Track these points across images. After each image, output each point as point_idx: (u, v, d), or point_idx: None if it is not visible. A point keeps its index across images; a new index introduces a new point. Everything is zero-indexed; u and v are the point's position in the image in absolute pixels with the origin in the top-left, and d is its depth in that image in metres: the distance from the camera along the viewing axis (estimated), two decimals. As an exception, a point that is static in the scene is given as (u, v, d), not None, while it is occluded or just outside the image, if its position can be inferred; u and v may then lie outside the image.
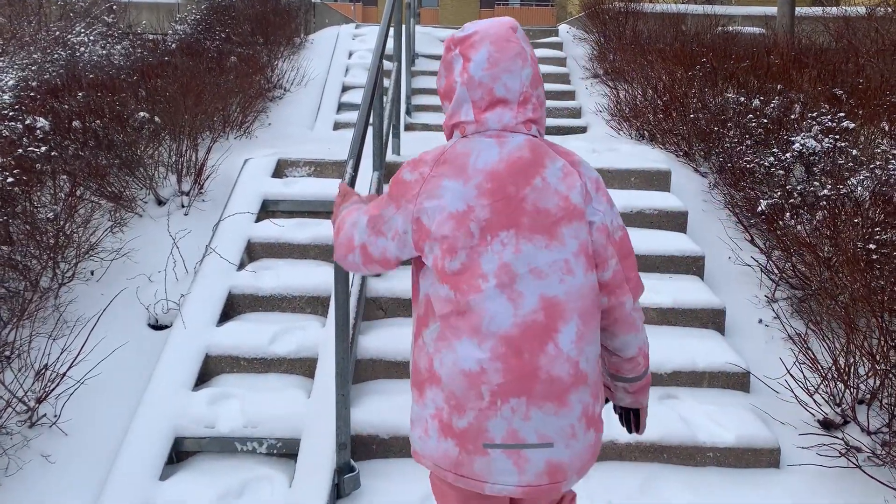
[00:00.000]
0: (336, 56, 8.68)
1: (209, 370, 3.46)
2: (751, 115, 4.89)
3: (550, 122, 7.19)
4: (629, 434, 2.21)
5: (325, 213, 4.47)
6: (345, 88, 7.93)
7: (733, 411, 3.29)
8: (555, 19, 38.08)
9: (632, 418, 2.06)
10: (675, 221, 4.47)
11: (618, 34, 8.63)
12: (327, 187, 4.56)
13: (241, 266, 4.05)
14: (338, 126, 7.10)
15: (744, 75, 5.59)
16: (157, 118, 5.10)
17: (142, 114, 5.08)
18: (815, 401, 3.28)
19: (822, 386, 3.34)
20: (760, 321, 3.94)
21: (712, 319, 3.81)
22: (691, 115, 5.38)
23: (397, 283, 3.85)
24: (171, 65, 5.44)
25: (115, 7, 9.35)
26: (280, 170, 4.85)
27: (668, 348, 3.56)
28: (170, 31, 7.70)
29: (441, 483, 1.87)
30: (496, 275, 1.70)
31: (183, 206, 4.71)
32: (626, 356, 1.92)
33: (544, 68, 8.35)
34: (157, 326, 3.81)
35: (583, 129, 7.18)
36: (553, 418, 1.72)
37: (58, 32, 7.41)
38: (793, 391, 3.38)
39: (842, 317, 3.51)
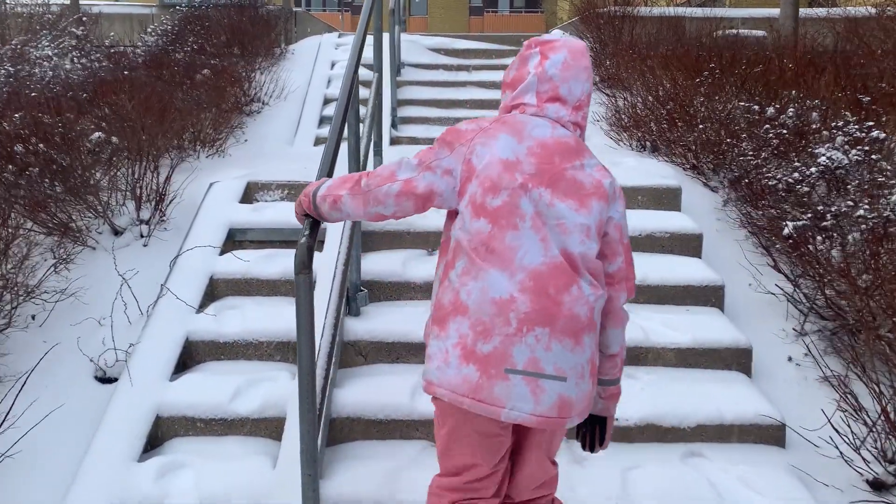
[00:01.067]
0: (318, 67, 8.23)
1: (160, 434, 2.99)
2: (767, 126, 4.44)
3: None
4: (591, 453, 2.19)
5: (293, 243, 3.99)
6: (327, 101, 7.48)
7: (769, 472, 2.83)
8: (545, 26, 37.80)
9: (597, 432, 2.16)
10: (688, 245, 4.03)
11: (614, 39, 8.21)
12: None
13: (203, 307, 3.58)
14: (319, 141, 6.64)
15: (754, 81, 5.16)
16: (114, 138, 4.63)
17: (97, 134, 4.61)
18: (862, 457, 2.83)
19: (868, 439, 2.89)
20: (790, 359, 3.49)
21: (737, 360, 3.36)
22: (699, 126, 4.94)
23: (379, 324, 3.39)
24: (129, 80, 4.96)
25: (84, 19, 8.88)
26: (249, 194, 4.39)
27: (691, 396, 3.10)
28: (139, 43, 7.24)
29: (454, 416, 1.94)
30: (531, 218, 1.87)
31: (142, 236, 4.24)
32: (608, 353, 2.07)
33: (537, 76, 7.91)
34: (105, 379, 3.34)
35: (580, 140, 6.73)
36: (569, 354, 1.86)
37: (18, 46, 6.92)
38: (836, 446, 2.92)
39: (887, 355, 3.07)
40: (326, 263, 3.53)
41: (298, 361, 2.24)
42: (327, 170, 2.56)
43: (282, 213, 4.09)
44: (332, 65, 8.24)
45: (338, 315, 2.91)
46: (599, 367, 2.06)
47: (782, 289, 3.78)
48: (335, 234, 3.73)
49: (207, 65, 7.06)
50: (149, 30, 8.29)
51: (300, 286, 2.22)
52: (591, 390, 1.94)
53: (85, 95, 4.79)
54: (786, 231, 3.56)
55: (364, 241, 3.99)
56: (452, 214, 2.03)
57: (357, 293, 3.43)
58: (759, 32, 8.57)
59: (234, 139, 6.42)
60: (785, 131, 4.34)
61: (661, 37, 8.03)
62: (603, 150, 6.08)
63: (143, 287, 3.79)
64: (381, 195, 2.01)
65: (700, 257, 4.03)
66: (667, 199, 4.38)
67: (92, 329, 3.51)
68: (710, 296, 3.70)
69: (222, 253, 3.88)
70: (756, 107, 4.68)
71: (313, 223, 2.32)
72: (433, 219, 3.84)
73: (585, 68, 2.05)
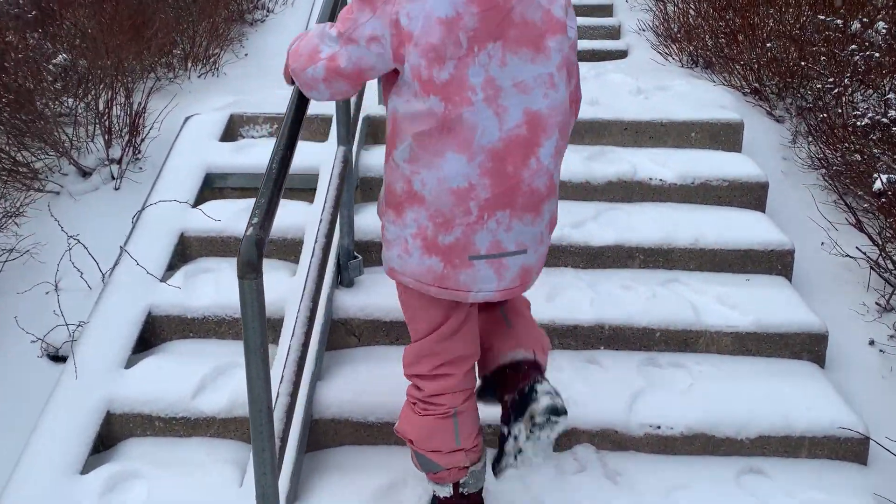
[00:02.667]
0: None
1: (112, 434, 2.52)
2: (854, 46, 3.65)
3: (584, 44, 5.92)
4: None
5: (287, 192, 3.41)
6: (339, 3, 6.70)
7: (848, 500, 2.29)
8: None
9: None
10: (750, 196, 3.36)
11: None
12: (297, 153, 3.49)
13: (173, 268, 3.05)
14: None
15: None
16: (82, 61, 4.02)
17: (62, 56, 3.99)
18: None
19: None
20: (873, 343, 2.88)
21: (808, 347, 2.76)
22: (767, 45, 4.14)
23: (376, 297, 2.84)
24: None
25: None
26: (233, 129, 3.78)
27: (751, 397, 2.53)
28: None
29: (418, 295, 1.90)
30: (483, 88, 1.67)
31: (113, 178, 3.69)
32: None
33: (575, -23, 7.00)
34: (58, 357, 2.87)
35: (622, 54, 5.91)
36: (529, 227, 1.81)
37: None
38: (933, 468, 2.36)
39: None
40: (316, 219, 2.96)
41: (249, 394, 1.70)
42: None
43: (270, 153, 3.48)
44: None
45: (315, 296, 2.37)
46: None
47: (865, 253, 3.12)
48: (326, 180, 3.14)
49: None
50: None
51: (245, 294, 1.66)
52: (548, 245, 1.94)
53: (34, 12, 4.12)
54: (877, 185, 2.88)
55: (363, 188, 3.39)
56: (388, 75, 1.77)
57: (350, 261, 2.87)
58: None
59: (232, 54, 5.73)
60: (877, 54, 3.55)
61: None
62: (648, 67, 5.28)
63: (110, 241, 3.26)
64: (309, 79, 1.81)
65: (764, 211, 3.36)
66: (725, 136, 3.67)
67: (44, 297, 3.03)
68: (775, 262, 3.07)
69: (198, 203, 3.32)
70: (838, 21, 3.86)
71: (267, 207, 1.75)
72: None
73: None
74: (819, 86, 3.82)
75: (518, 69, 1.70)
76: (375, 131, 3.70)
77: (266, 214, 1.73)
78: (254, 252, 1.65)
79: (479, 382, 2.10)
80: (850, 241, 3.26)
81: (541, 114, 1.73)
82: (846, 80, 3.65)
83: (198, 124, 3.67)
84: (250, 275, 1.65)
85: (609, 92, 4.16)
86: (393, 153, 1.82)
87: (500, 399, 1.99)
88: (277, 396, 2.00)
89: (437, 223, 1.77)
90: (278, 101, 3.81)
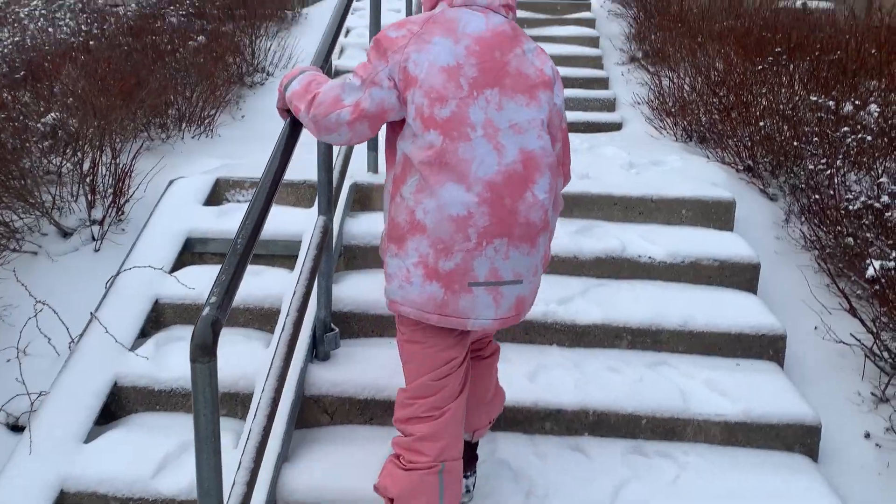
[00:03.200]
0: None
1: (64, 515, 2.38)
2: (846, 128, 3.63)
3: (578, 116, 5.96)
4: None
5: (268, 258, 3.34)
6: (337, 73, 6.78)
7: None
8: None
9: None
10: (742, 276, 3.28)
11: (661, 9, 7.32)
12: (278, 218, 3.43)
13: (145, 336, 2.96)
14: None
15: (826, 68, 4.31)
16: (72, 121, 4.00)
17: (52, 115, 3.98)
18: None
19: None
20: (868, 436, 2.76)
21: (801, 439, 2.64)
22: (760, 124, 4.14)
23: (351, 373, 2.73)
24: (87, 51, 4.31)
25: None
26: (219, 193, 3.73)
27: (741, 493, 2.40)
28: (123, 5, 6.59)
29: (419, 328, 1.97)
30: (483, 126, 1.85)
31: (93, 239, 3.62)
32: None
33: (573, 50, 7.08)
34: (17, 427, 2.75)
35: (617, 126, 5.94)
36: (525, 258, 1.93)
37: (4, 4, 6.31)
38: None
39: None
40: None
41: (198, 487, 1.60)
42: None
43: (253, 219, 3.42)
44: (347, 32, 7.50)
45: (283, 374, 2.26)
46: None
47: (859, 340, 3.03)
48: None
49: (205, 29, 6.38)
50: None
51: (197, 379, 1.57)
52: (540, 279, 2.04)
53: (22, 73, 4.13)
54: (870, 272, 2.80)
55: (347, 257, 3.32)
56: (394, 124, 1.97)
57: (325, 333, 2.77)
58: (826, 4, 7.60)
59: (228, 116, 5.76)
60: (868, 136, 3.53)
61: (716, 8, 7.11)
62: (642, 140, 5.30)
63: (84, 305, 3.17)
64: (332, 124, 1.92)
65: (755, 292, 3.28)
66: (717, 214, 3.62)
67: (7, 363, 2.92)
68: (767, 346, 2.97)
69: (177, 268, 3.25)
70: (830, 102, 3.86)
71: (228, 285, 1.67)
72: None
73: None
74: (812, 166, 3.78)
75: (514, 112, 1.88)
76: (362, 198, 3.65)
77: (226, 293, 1.65)
78: (209, 334, 1.56)
79: None
80: (845, 326, 3.17)
81: (535, 153, 1.90)
82: (838, 162, 3.62)
83: (182, 187, 3.62)
84: (203, 358, 1.56)
85: (601, 165, 4.14)
86: (401, 189, 1.92)
87: None
88: (233, 486, 1.88)
89: (437, 250, 1.87)
90: (262, 166, 3.78)
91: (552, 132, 1.97)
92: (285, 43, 7.14)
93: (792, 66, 4.32)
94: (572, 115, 5.96)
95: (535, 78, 1.92)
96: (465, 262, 1.86)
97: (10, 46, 4.78)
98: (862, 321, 3.03)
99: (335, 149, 2.98)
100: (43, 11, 6.50)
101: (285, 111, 2.16)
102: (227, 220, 3.45)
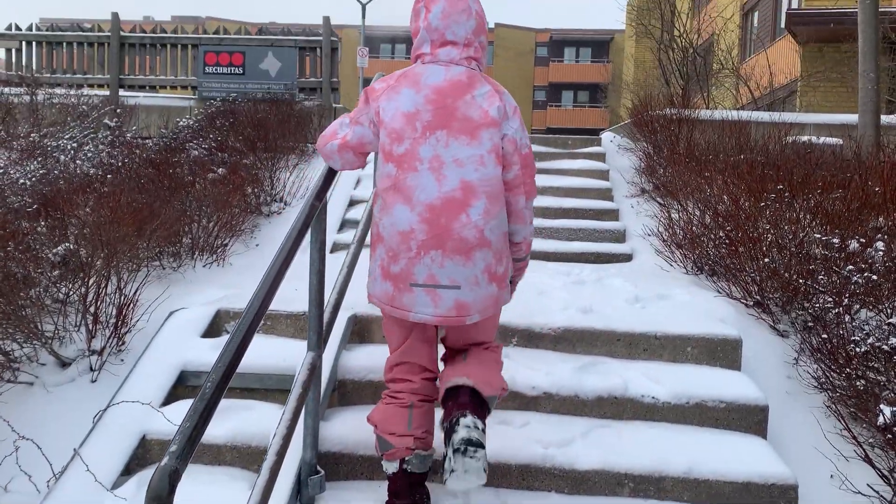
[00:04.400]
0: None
1: None
2: (852, 267, 3.59)
3: (588, 246, 5.99)
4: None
5: (262, 392, 3.29)
6: (352, 202, 6.94)
7: None
8: (608, 122, 37.46)
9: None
10: (750, 419, 3.15)
11: (670, 144, 7.49)
12: (274, 350, 3.40)
13: (129, 473, 2.87)
14: (336, 248, 6.03)
15: (831, 204, 4.32)
16: (82, 251, 4.08)
17: (64, 245, 4.07)
18: None
19: None
20: None
21: None
22: (765, 260, 4.11)
23: None
24: (103, 184, 4.46)
25: (119, 110, 8.68)
26: (218, 324, 3.73)
27: None
28: (154, 137, 6.89)
29: (385, 314, 2.59)
30: (429, 161, 2.40)
31: (91, 370, 3.60)
32: (514, 240, 2.63)
33: (584, 182, 7.23)
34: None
35: (627, 257, 5.95)
36: (461, 268, 2.40)
37: (34, 136, 6.63)
38: None
39: None
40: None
41: None
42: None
43: (253, 353, 3.38)
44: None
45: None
46: (511, 249, 2.63)
47: (877, 491, 2.84)
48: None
49: (225, 162, 6.62)
50: (178, 122, 7.99)
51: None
52: (495, 292, 2.47)
53: (35, 206, 4.26)
54: (881, 419, 2.67)
55: (341, 392, 3.25)
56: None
57: (310, 476, 2.66)
58: (834, 140, 7.74)
59: (242, 244, 5.88)
60: (875, 276, 3.47)
61: (723, 144, 7.27)
62: (652, 273, 5.27)
63: (74, 438, 3.11)
64: (328, 151, 2.61)
65: (765, 436, 3.14)
66: (723, 352, 3.53)
67: (-12, 499, 2.83)
68: (777, 497, 2.79)
69: (169, 401, 3.20)
70: (835, 240, 3.83)
71: (190, 433, 1.61)
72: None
73: (464, 10, 2.52)
74: (819, 304, 3.71)
75: (456, 150, 2.41)
76: (361, 330, 3.62)
77: (188, 441, 1.59)
78: (164, 486, 1.50)
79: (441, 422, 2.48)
80: (862, 475, 2.98)
81: (473, 183, 2.40)
82: (846, 300, 3.55)
83: (181, 319, 3.63)
84: (159, 514, 1.48)
85: (605, 299, 4.10)
86: (373, 207, 2.52)
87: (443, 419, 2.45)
88: None
89: (389, 256, 2.42)
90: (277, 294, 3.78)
91: (508, 160, 2.49)
92: (304, 174, 7.39)
93: (796, 202, 4.33)
94: (582, 246, 5.99)
95: (478, 119, 2.44)
96: (408, 267, 2.39)
97: (34, 179, 4.97)
98: (878, 469, 2.86)
99: (329, 281, 2.98)
100: (74, 144, 6.80)
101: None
102: (224, 353, 3.42)
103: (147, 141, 7.33)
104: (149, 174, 5.39)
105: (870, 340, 3.09)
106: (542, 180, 7.24)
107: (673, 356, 3.53)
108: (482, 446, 2.26)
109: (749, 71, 12.69)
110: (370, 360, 3.36)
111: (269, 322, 3.64)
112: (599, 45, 48.23)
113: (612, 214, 6.66)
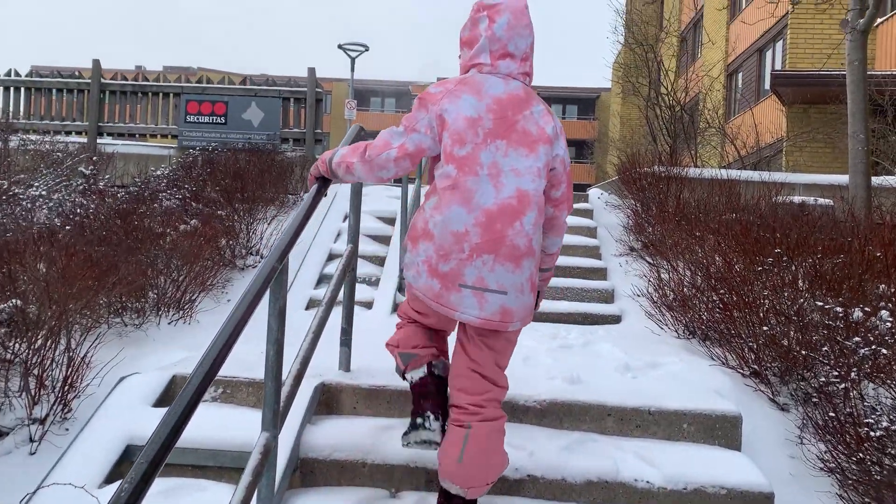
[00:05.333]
0: (329, 218, 7.53)
1: None
2: (858, 339, 3.35)
3: (576, 306, 5.75)
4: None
5: (216, 470, 2.96)
6: (331, 257, 6.70)
7: None
8: (593, 178, 37.65)
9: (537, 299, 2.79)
10: (754, 508, 2.86)
11: (658, 202, 7.33)
12: (231, 422, 3.09)
13: (58, 566, 2.52)
14: (311, 304, 5.77)
15: (831, 269, 4.11)
16: (31, 308, 3.78)
17: (13, 302, 3.77)
18: None
19: None
20: None
21: None
22: (764, 328, 3.87)
23: None
24: (52, 237, 4.19)
25: (95, 158, 8.45)
26: (173, 393, 3.41)
27: None
28: (128, 187, 6.65)
29: (421, 306, 2.65)
30: (488, 167, 2.47)
31: (31, 441, 3.27)
32: (548, 252, 2.79)
33: (571, 239, 7.02)
34: None
35: (616, 319, 5.70)
36: (510, 275, 2.45)
37: (2, 183, 6.36)
38: None
39: None
40: None
41: None
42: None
43: (206, 423, 3.07)
44: (345, 217, 7.51)
45: None
46: (541, 261, 2.74)
47: None
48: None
49: (200, 213, 6.37)
50: (153, 171, 7.76)
51: None
52: (532, 301, 2.55)
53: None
54: (902, 513, 2.39)
55: (303, 471, 2.94)
56: (435, 159, 2.57)
57: (262, 575, 2.34)
58: (825, 201, 7.61)
59: (213, 300, 5.59)
60: (883, 350, 3.23)
61: (713, 203, 7.11)
62: (642, 337, 5.02)
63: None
64: (383, 161, 2.56)
65: (771, 528, 2.84)
66: (722, 430, 3.25)
67: None
68: None
69: (112, 479, 2.87)
70: (838, 308, 3.60)
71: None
72: (395, 448, 2.82)
73: (527, 25, 2.59)
74: (824, 377, 3.46)
75: (516, 160, 2.49)
76: (330, 401, 3.33)
77: None
78: None
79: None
80: (879, 574, 2.69)
81: (528, 193, 2.48)
82: (853, 374, 3.30)
83: (132, 386, 3.32)
84: None
85: (594, 367, 3.83)
86: (425, 203, 2.56)
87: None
88: None
89: (439, 255, 2.44)
90: (238, 358, 3.47)
91: (558, 178, 2.62)
92: (283, 226, 7.15)
93: (794, 266, 4.12)
94: (569, 306, 5.75)
95: (536, 135, 2.54)
96: (458, 267, 2.42)
97: (-10, 228, 4.69)
98: (899, 571, 2.57)
99: (289, 352, 2.70)
100: (42, 192, 6.54)
101: (317, 178, 2.86)
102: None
103: (120, 190, 7.07)
104: (114, 225, 5.12)
105: (884, 423, 2.83)
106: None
107: (668, 434, 3.25)
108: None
109: (735, 130, 12.70)
110: (339, 435, 3.07)
111: (227, 390, 3.34)
112: (586, 102, 48.93)
113: (600, 273, 6.44)
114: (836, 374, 3.33)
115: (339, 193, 8.28)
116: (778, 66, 16.72)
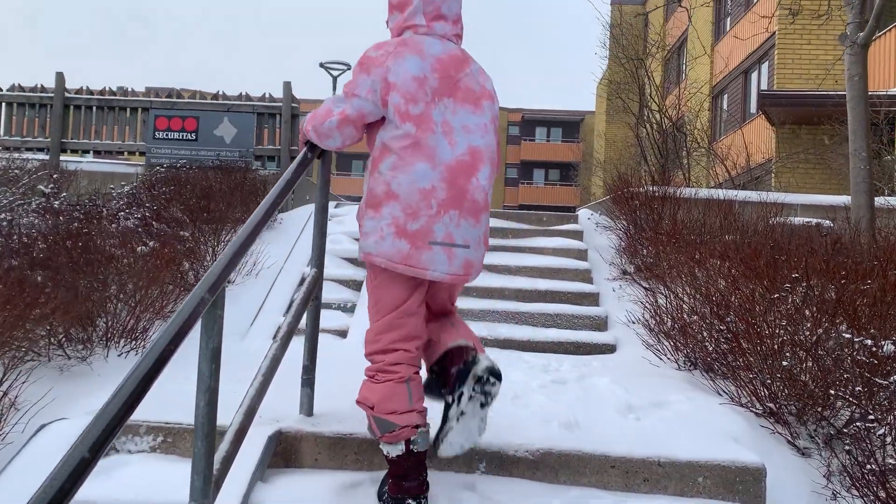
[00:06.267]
0: (302, 240, 7.07)
1: None
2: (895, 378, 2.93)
3: (567, 335, 5.34)
4: None
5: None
6: (303, 280, 6.22)
7: None
8: (579, 200, 37.47)
9: None
10: (787, 582, 2.40)
11: (652, 223, 6.94)
12: (171, 481, 2.60)
13: None
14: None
15: (852, 296, 3.70)
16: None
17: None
18: None
19: None
20: None
21: None
22: (784, 363, 3.45)
23: None
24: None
25: (55, 175, 7.95)
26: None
27: None
28: (85, 205, 6.17)
29: (387, 275, 2.54)
30: (441, 125, 2.52)
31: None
32: None
33: (560, 262, 6.61)
34: None
35: (610, 349, 5.28)
36: (472, 229, 2.54)
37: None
38: None
39: None
40: None
41: None
42: None
43: (143, 479, 2.59)
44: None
45: None
46: None
47: None
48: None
49: (161, 234, 5.88)
50: (111, 189, 7.28)
51: None
52: (483, 255, 2.64)
53: None
54: None
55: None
56: (372, 126, 2.63)
57: None
58: (825, 222, 7.26)
59: (171, 328, 5.09)
60: (928, 389, 2.81)
61: (709, 223, 6.73)
62: (640, 368, 4.60)
63: None
64: (326, 129, 2.64)
65: None
66: (743, 484, 2.80)
67: None
68: None
69: (19, 552, 2.37)
70: (868, 340, 3.19)
71: None
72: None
73: None
74: (855, 419, 3.03)
75: (464, 118, 2.56)
76: (288, 452, 2.85)
77: None
78: None
79: (426, 376, 2.67)
80: None
81: (479, 148, 2.56)
82: (891, 418, 2.87)
83: (54, 435, 2.84)
84: None
85: (592, 408, 3.39)
86: (379, 166, 2.54)
87: (446, 374, 2.52)
88: None
89: (407, 214, 2.45)
90: (170, 407, 2.98)
91: (494, 127, 2.66)
92: (252, 248, 6.67)
93: (815, 292, 3.70)
94: (560, 334, 5.33)
95: (479, 92, 2.62)
96: (428, 224, 2.44)
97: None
98: None
99: (224, 401, 2.24)
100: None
101: (304, 143, 2.85)
102: (106, 481, 2.62)
103: (77, 208, 6.57)
104: (62, 246, 4.63)
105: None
106: (515, 259, 6.61)
107: (681, 489, 2.80)
108: (500, 378, 2.48)
109: (725, 150, 12.41)
110: (299, 492, 2.59)
111: (168, 439, 2.85)
112: (570, 125, 48.94)
113: (592, 298, 6.01)
114: (872, 418, 2.90)
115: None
116: (764, 87, 16.54)
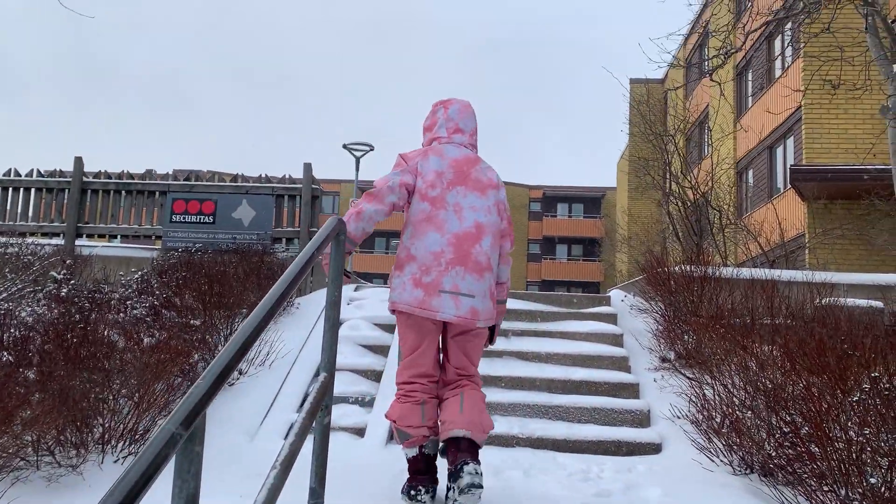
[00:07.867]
0: (319, 326, 6.69)
1: None
2: None
3: (604, 432, 4.88)
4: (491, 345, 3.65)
5: None
6: (318, 372, 5.82)
7: None
8: (603, 275, 36.96)
9: (493, 333, 3.64)
10: None
11: (691, 305, 6.49)
12: None
13: None
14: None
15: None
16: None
17: None
18: None
19: None
20: None
21: None
22: (872, 480, 2.96)
23: None
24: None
25: (69, 262, 7.73)
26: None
27: None
28: (94, 293, 5.90)
29: (407, 319, 3.35)
30: (453, 206, 3.39)
31: None
32: (499, 281, 3.58)
33: (594, 348, 6.15)
34: None
35: (655, 448, 4.77)
36: (477, 283, 3.31)
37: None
38: None
39: None
40: None
41: None
42: None
43: None
44: (343, 319, 6.68)
45: None
46: (496, 290, 3.52)
47: None
48: None
49: (171, 323, 5.56)
50: (121, 276, 7.02)
51: None
52: (492, 308, 3.42)
53: None
54: None
55: None
56: (406, 206, 3.47)
57: None
58: (877, 304, 6.77)
59: (175, 427, 4.70)
60: None
61: (753, 305, 6.27)
62: (691, 473, 4.14)
63: None
64: (386, 191, 3.36)
65: None
66: None
67: None
68: None
69: None
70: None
71: None
72: None
73: (471, 114, 3.70)
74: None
75: (472, 200, 3.46)
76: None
77: None
78: None
79: (441, 445, 3.39)
80: None
81: (483, 224, 3.44)
82: None
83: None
84: None
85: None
86: (402, 238, 3.45)
87: (446, 456, 3.27)
88: None
89: (422, 270, 3.29)
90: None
91: (500, 215, 3.55)
92: (266, 336, 6.31)
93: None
94: (599, 431, 4.85)
95: (485, 182, 3.52)
96: (438, 277, 3.26)
97: None
98: None
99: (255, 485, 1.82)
100: (5, 294, 5.77)
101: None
102: None
103: (85, 296, 6.29)
104: (59, 340, 4.31)
105: None
106: (546, 345, 6.19)
107: None
108: (481, 487, 3.06)
109: (757, 226, 12.01)
110: None
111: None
112: (592, 201, 48.89)
113: (632, 390, 5.53)
114: None
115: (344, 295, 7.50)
116: (791, 161, 16.24)
